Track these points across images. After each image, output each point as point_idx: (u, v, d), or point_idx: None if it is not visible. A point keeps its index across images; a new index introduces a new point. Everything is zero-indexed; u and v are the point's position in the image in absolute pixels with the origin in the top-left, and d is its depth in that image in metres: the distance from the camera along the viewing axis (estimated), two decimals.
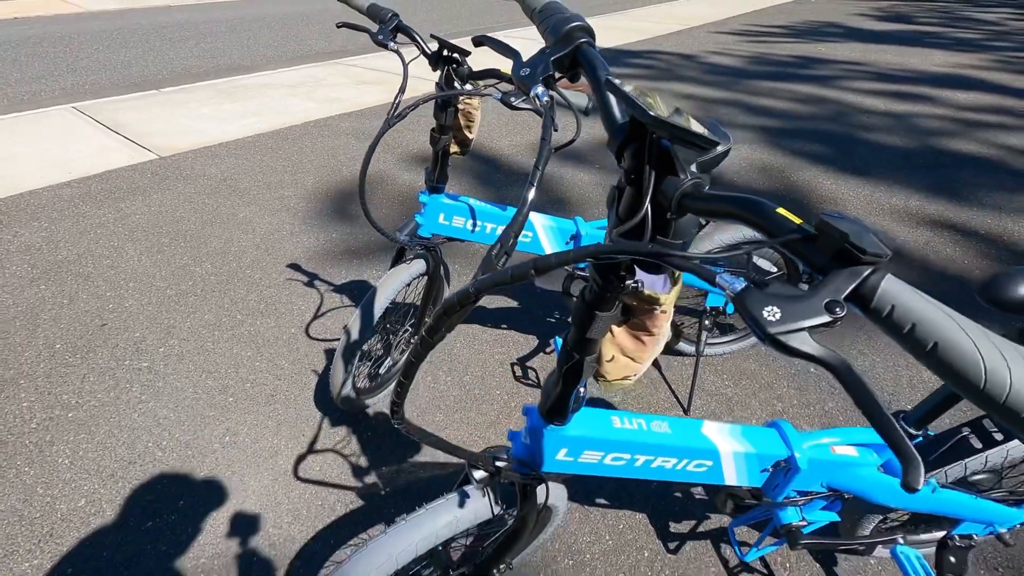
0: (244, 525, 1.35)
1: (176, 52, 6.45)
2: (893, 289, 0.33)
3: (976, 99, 4.88)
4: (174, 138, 3.75)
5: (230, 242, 2.54)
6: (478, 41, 0.69)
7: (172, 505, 1.39)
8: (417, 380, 1.79)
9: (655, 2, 11.06)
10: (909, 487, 0.28)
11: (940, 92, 5.07)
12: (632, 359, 0.63)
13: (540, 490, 0.81)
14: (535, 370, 1.85)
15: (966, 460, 0.95)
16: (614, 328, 0.60)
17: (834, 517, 1.04)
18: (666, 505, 1.42)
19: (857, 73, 5.68)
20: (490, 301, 2.17)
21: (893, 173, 3.40)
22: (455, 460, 1.53)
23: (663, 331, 0.59)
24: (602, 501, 1.42)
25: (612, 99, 0.50)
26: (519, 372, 1.83)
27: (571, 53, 0.54)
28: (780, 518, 1.01)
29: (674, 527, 1.36)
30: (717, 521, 1.38)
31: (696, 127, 0.40)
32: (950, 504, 0.95)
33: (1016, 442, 0.86)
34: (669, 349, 1.85)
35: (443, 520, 0.82)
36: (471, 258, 2.43)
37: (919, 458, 0.29)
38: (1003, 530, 1.06)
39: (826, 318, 0.32)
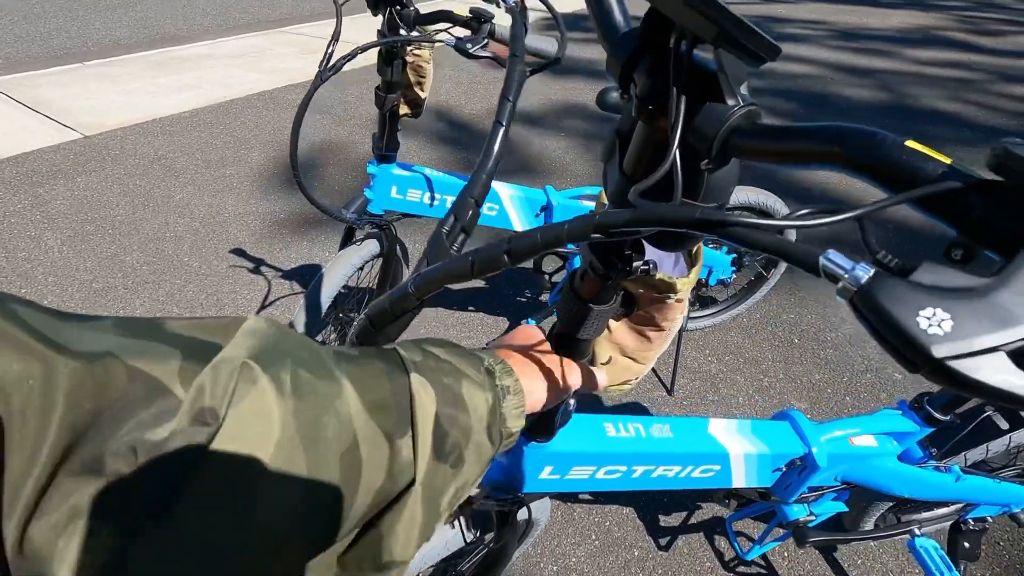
0: None
1: (103, 21, 5.92)
2: None
3: (935, 55, 4.88)
4: (101, 115, 3.41)
5: (164, 227, 2.30)
6: None
7: None
8: None
9: None
10: None
11: (901, 49, 5.06)
12: (634, 359, 0.49)
13: (521, 513, 0.67)
14: None
15: (988, 443, 0.86)
16: (612, 323, 0.46)
17: (842, 508, 0.95)
18: (654, 496, 1.31)
19: (818, 32, 5.62)
20: None
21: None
22: None
23: (675, 324, 0.46)
24: (586, 497, 1.31)
25: None
26: None
27: None
28: (786, 513, 0.91)
29: (664, 521, 1.26)
30: (710, 511, 1.28)
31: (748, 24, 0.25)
32: (972, 491, 0.86)
33: None
34: None
35: None
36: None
37: None
38: (1017, 510, 0.99)
39: None
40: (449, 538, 0.68)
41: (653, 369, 1.67)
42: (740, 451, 0.71)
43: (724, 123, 0.27)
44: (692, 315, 1.73)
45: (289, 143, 0.94)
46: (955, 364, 0.19)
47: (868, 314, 0.20)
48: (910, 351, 0.19)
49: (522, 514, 0.70)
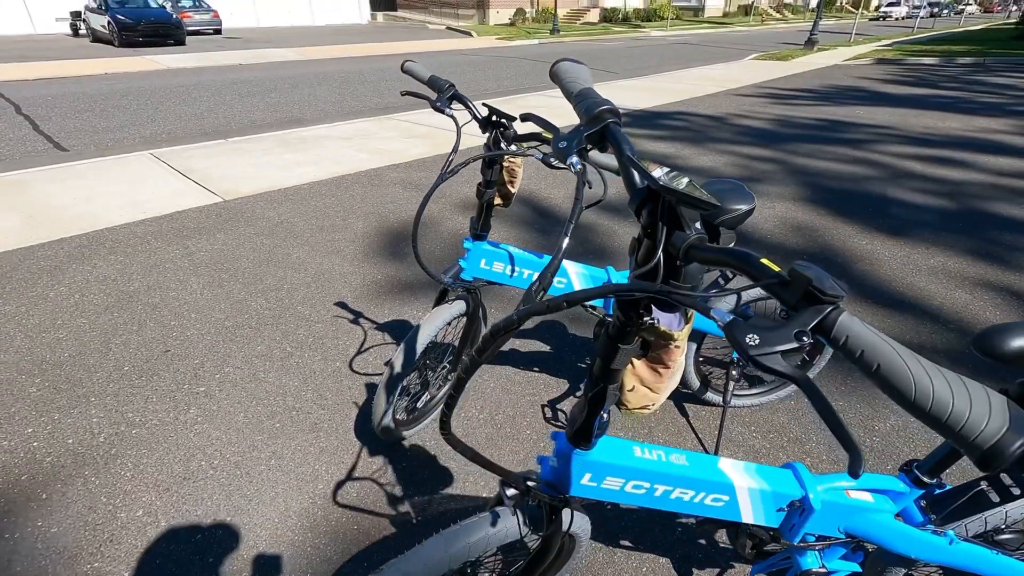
0: (284, 544, 1.43)
1: (244, 105, 7.03)
2: (847, 323, 0.41)
3: (1013, 164, 4.84)
4: (238, 183, 4.08)
5: (283, 280, 2.73)
6: (525, 117, 0.82)
7: (220, 520, 1.49)
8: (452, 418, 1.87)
9: (688, 65, 11.43)
10: (853, 474, 0.36)
11: (975, 156, 5.05)
12: (651, 389, 0.71)
13: (565, 514, 0.87)
14: (564, 412, 1.91)
15: (985, 514, 0.97)
16: (634, 360, 0.69)
17: (855, 567, 1.06)
18: (690, 551, 1.43)
19: (889, 136, 5.72)
20: (524, 344, 2.26)
21: (932, 234, 3.39)
22: (483, 493, 1.59)
23: (678, 364, 0.68)
24: (627, 543, 1.45)
25: (632, 169, 0.61)
26: (549, 414, 1.90)
27: (601, 131, 0.66)
28: (799, 564, 1.04)
29: (696, 573, 1.38)
30: (741, 571, 1.38)
31: (699, 193, 0.50)
32: (968, 558, 0.96)
33: None
34: (697, 398, 1.89)
35: (475, 536, 0.89)
36: (506, 302, 2.54)
37: (862, 452, 0.37)
38: None
39: (794, 344, 0.41)
40: (510, 526, 0.89)
41: (698, 437, 1.80)
42: (744, 485, 0.88)
43: (684, 241, 0.51)
44: (738, 392, 1.86)
45: (412, 223, 1.26)
46: (759, 358, 0.41)
47: (728, 335, 0.43)
48: (742, 352, 0.42)
49: (566, 517, 0.89)
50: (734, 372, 1.73)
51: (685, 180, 0.51)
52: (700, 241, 0.51)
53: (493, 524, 0.89)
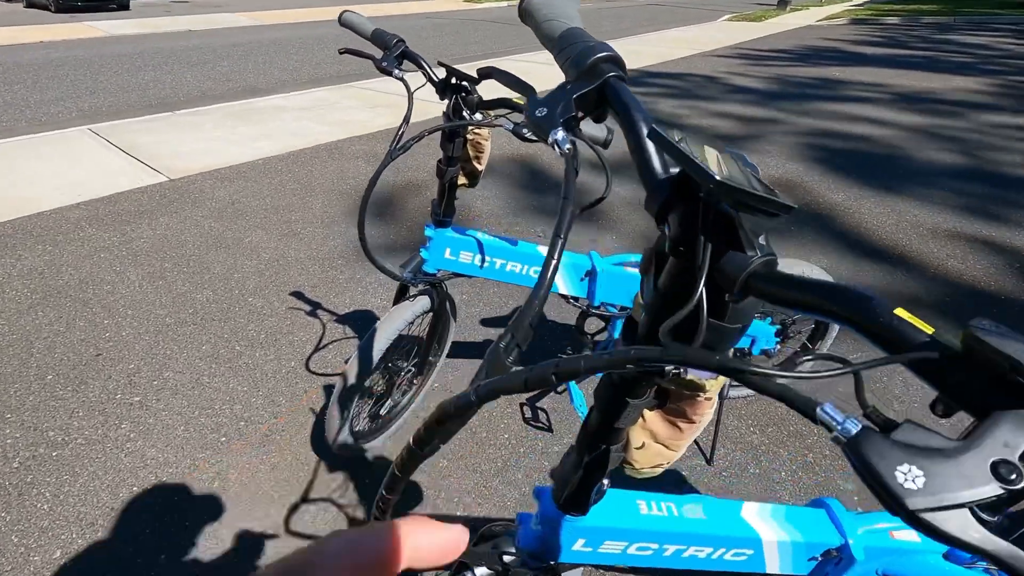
0: None
1: (193, 75, 6.53)
2: None
3: (995, 120, 4.76)
4: (185, 160, 3.74)
5: (233, 268, 2.47)
6: (484, 73, 0.60)
7: (153, 559, 1.29)
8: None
9: (662, 27, 11.12)
10: None
11: (965, 112, 4.96)
12: (665, 446, 0.52)
13: None
14: (546, 411, 1.74)
15: None
16: (646, 412, 0.50)
17: None
18: None
19: (871, 97, 5.59)
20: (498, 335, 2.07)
21: (926, 190, 3.29)
22: (457, 512, 1.41)
23: (705, 418, 0.49)
24: None
25: (650, 147, 0.40)
26: (528, 414, 1.72)
27: (598, 89, 0.44)
28: None
29: None
30: None
31: (772, 194, 0.30)
32: None
33: None
34: None
35: None
36: (479, 288, 2.34)
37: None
38: None
39: (996, 490, 0.22)
40: None
41: (695, 442, 1.65)
42: (774, 538, 0.71)
43: (744, 269, 0.32)
44: (734, 383, 1.71)
45: (359, 212, 1.04)
46: (927, 516, 0.22)
47: (856, 462, 0.24)
48: (890, 501, 0.23)
49: None
50: None
51: (738, 165, 0.32)
52: (769, 267, 0.32)
53: None
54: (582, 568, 0.76)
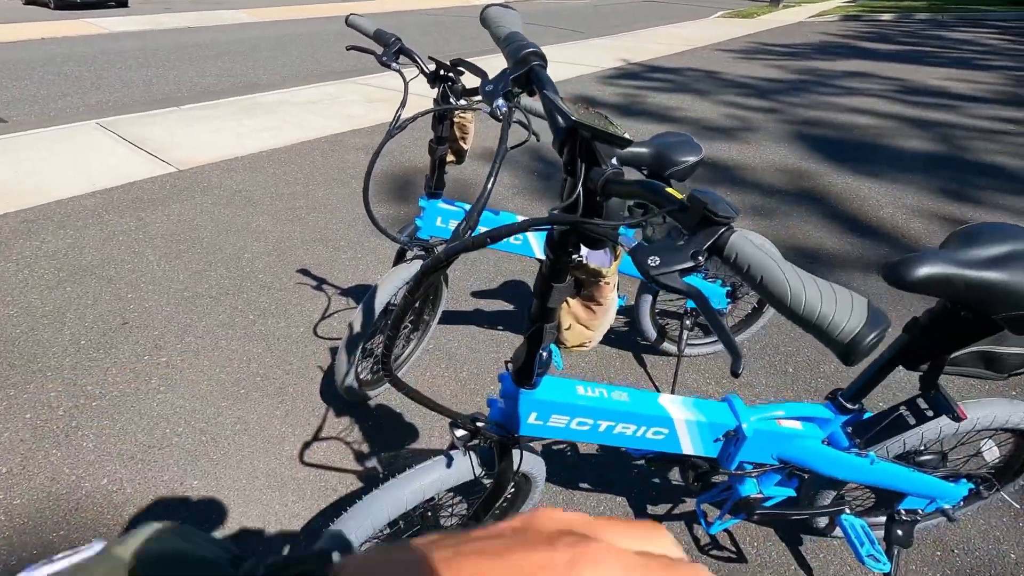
0: (252, 504, 1.46)
1: (197, 71, 6.71)
2: (737, 243, 0.44)
3: (988, 112, 4.98)
4: (193, 152, 3.94)
5: (243, 249, 2.68)
6: (455, 63, 0.82)
7: (186, 485, 1.51)
8: (417, 376, 1.90)
9: (656, 24, 11.32)
10: (734, 373, 0.40)
11: (950, 105, 5.19)
12: (586, 327, 0.74)
13: (515, 453, 0.92)
14: None
15: (903, 436, 1.05)
16: (569, 300, 0.72)
17: (790, 492, 1.14)
18: (644, 490, 1.51)
19: (864, 89, 5.81)
20: (487, 304, 2.29)
21: (910, 174, 3.56)
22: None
23: (610, 301, 0.71)
24: (585, 486, 1.52)
25: (555, 107, 0.62)
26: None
27: (526, 73, 0.67)
28: (739, 491, 1.11)
29: (651, 509, 1.46)
30: (691, 504, 1.47)
31: (613, 129, 0.52)
32: (889, 476, 1.04)
33: (945, 417, 0.96)
34: (655, 349, 1.96)
35: (430, 478, 0.93)
36: (468, 263, 2.55)
37: (741, 351, 0.40)
38: (947, 506, 1.15)
39: (690, 264, 0.44)
40: (463, 468, 0.93)
41: (655, 386, 1.88)
42: (682, 418, 0.93)
43: (600, 176, 0.54)
44: (691, 342, 1.94)
45: (363, 183, 1.25)
46: (658, 276, 0.44)
47: (632, 258, 0.46)
48: (643, 272, 0.44)
49: (516, 456, 0.93)
50: (687, 322, 1.79)
51: (599, 117, 0.53)
52: (616, 175, 0.54)
53: (447, 466, 0.93)
54: (539, 445, 0.98)
